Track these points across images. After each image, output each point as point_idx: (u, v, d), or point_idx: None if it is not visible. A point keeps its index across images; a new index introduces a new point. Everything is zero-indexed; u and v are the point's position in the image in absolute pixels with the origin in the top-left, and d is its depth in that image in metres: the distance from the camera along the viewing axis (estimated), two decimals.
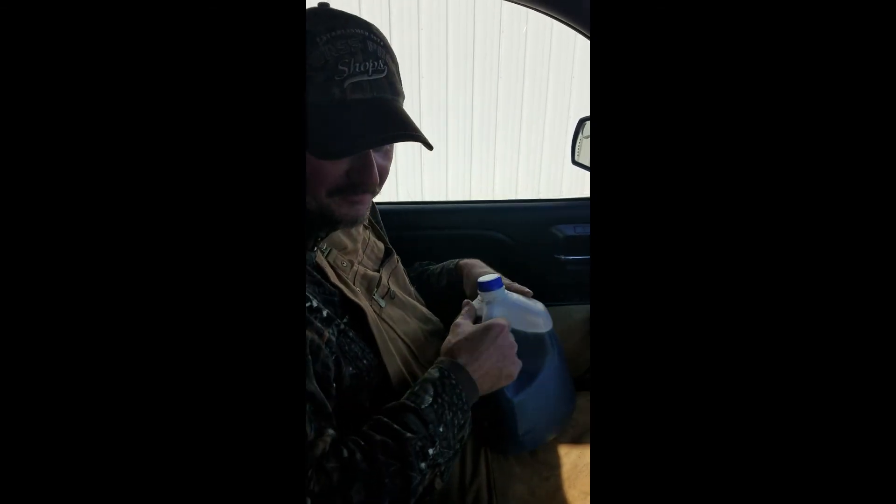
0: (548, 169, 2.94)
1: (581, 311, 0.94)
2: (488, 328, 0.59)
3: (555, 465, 0.70)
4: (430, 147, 0.53)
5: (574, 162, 1.29)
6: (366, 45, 0.50)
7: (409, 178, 2.82)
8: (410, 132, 0.51)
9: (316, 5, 0.53)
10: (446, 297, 0.83)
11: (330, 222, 0.56)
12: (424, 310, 0.75)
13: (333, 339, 0.54)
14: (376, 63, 0.50)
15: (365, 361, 0.57)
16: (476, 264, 0.85)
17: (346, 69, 0.48)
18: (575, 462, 0.70)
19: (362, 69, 0.49)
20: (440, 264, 0.90)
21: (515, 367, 0.60)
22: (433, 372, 0.57)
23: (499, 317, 0.63)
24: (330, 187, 0.53)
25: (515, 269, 1.21)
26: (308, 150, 0.48)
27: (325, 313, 0.55)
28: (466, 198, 2.90)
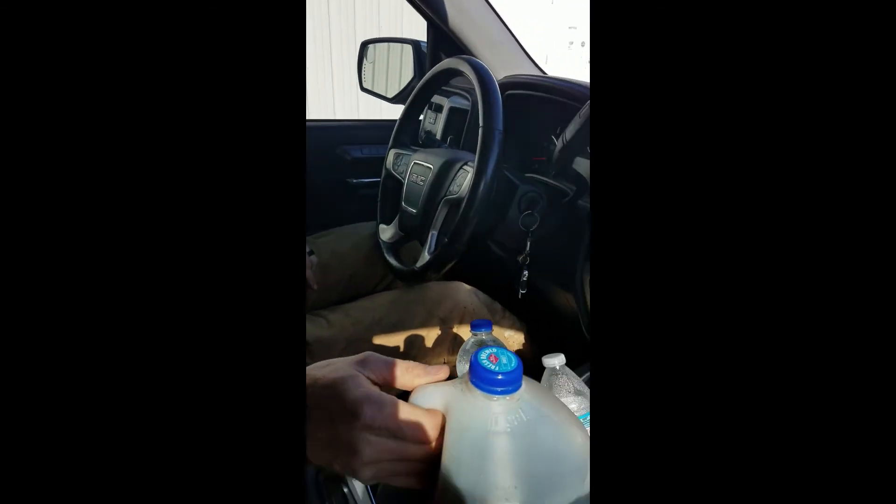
0: (341, 95, 2.89)
1: (369, 227, 1.01)
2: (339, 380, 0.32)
3: None
4: None
5: (363, 88, 1.30)
6: None
7: None
8: None
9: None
10: None
11: None
12: None
13: None
14: None
15: None
16: None
17: None
18: None
19: None
20: None
21: (356, 458, 0.30)
22: None
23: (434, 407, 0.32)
24: None
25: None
26: None
27: None
28: None
